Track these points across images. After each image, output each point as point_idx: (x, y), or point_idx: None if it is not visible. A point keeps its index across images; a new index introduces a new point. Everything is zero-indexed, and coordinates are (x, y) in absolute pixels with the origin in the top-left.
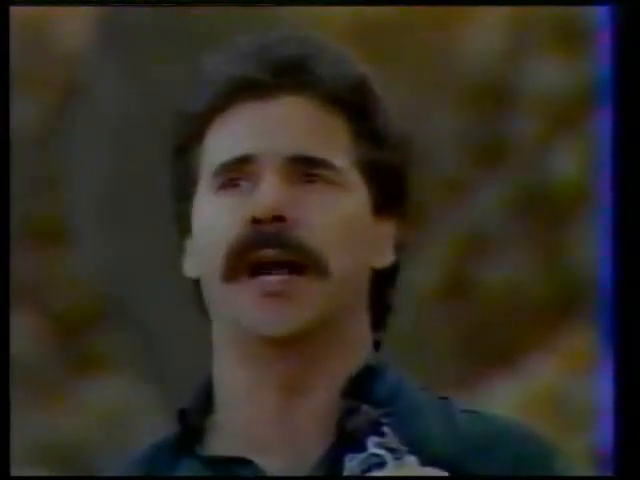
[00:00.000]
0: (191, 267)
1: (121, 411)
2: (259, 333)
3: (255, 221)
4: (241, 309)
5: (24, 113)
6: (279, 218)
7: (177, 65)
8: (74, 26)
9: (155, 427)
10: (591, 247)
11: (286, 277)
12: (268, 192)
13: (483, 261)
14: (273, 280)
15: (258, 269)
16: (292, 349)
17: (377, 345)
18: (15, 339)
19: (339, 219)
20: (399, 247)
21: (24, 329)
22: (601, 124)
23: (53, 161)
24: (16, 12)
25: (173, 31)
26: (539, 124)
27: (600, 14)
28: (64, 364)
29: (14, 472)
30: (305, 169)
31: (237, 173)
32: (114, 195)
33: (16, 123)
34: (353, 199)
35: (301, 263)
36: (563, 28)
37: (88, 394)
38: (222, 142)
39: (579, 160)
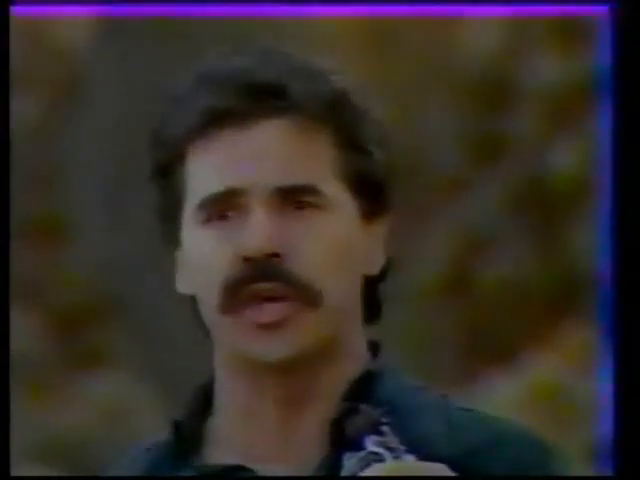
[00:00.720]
0: (183, 284)
1: (121, 408)
2: (256, 360)
3: (247, 259)
4: (238, 339)
5: (24, 112)
6: (271, 255)
7: (177, 65)
8: (74, 26)
9: (155, 422)
10: (591, 243)
11: (281, 307)
12: (258, 229)
13: (483, 258)
14: (268, 311)
15: (254, 302)
16: (290, 371)
17: (376, 349)
18: (15, 337)
19: (330, 246)
20: (390, 242)
21: (24, 327)
22: (600, 121)
23: (53, 160)
24: (16, 12)
25: (173, 31)
26: (539, 121)
27: (600, 14)
28: (64, 361)
29: (14, 469)
30: (294, 197)
31: (224, 206)
32: (114, 194)
33: (16, 122)
34: (342, 220)
35: (295, 295)
36: (563, 27)
37: (88, 391)
38: (205, 172)
39: (579, 157)
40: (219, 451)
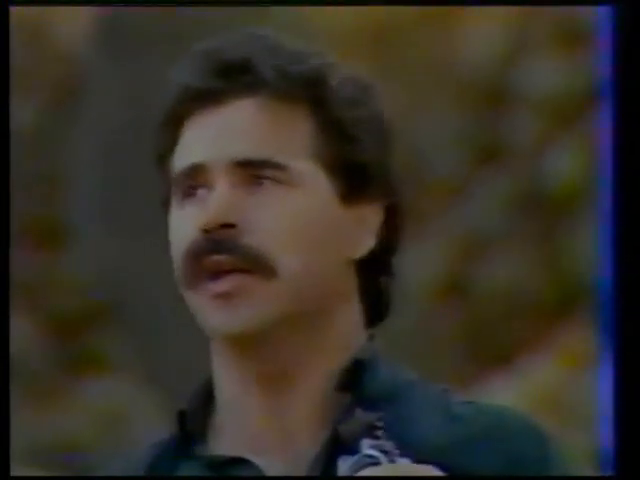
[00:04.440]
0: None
1: (120, 412)
2: (220, 333)
3: (205, 231)
4: (201, 313)
5: (24, 113)
6: (227, 225)
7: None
8: (74, 26)
9: (154, 427)
10: (590, 246)
11: (232, 279)
12: (215, 201)
13: (482, 260)
14: (221, 282)
15: (211, 275)
16: (262, 344)
17: (370, 338)
18: (14, 339)
19: (289, 219)
20: (387, 230)
21: (23, 329)
22: (601, 124)
23: (53, 161)
24: (16, 12)
25: (173, 31)
26: (539, 124)
27: (600, 14)
28: (63, 365)
29: (13, 472)
30: (254, 172)
31: (193, 181)
32: (114, 195)
33: (15, 123)
34: (308, 196)
35: (248, 267)
36: (563, 28)
37: (87, 395)
38: (180, 151)
39: (579, 160)
40: (221, 443)
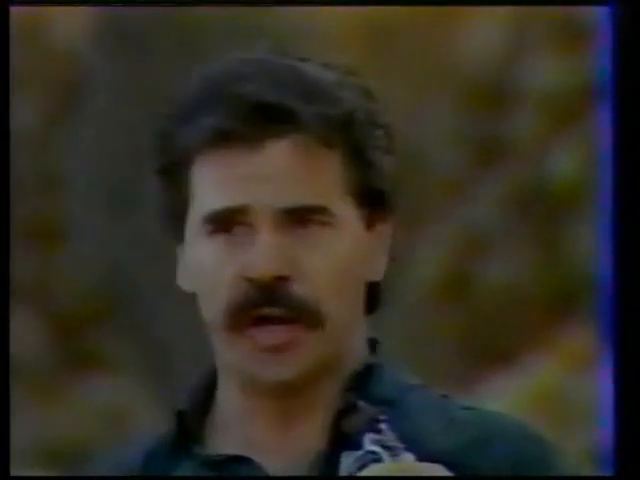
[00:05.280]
0: (184, 281)
1: (120, 410)
2: (259, 380)
3: (252, 279)
4: (242, 358)
5: (24, 113)
6: (276, 278)
7: (177, 65)
8: (74, 26)
9: (155, 426)
10: (590, 245)
11: (284, 330)
12: (263, 251)
13: (483, 260)
14: (271, 334)
15: (258, 322)
16: (287, 390)
17: (373, 345)
18: (15, 339)
19: (336, 264)
20: (393, 243)
21: (24, 329)
22: (600, 123)
23: (53, 161)
24: (16, 12)
25: (173, 31)
26: (539, 123)
27: (600, 14)
28: (64, 364)
29: (13, 471)
30: (300, 217)
31: (229, 222)
32: (114, 195)
33: (15, 123)
34: (348, 235)
35: (299, 318)
36: (563, 28)
37: (87, 394)
38: (210, 187)
39: (578, 159)
40: (219, 442)
